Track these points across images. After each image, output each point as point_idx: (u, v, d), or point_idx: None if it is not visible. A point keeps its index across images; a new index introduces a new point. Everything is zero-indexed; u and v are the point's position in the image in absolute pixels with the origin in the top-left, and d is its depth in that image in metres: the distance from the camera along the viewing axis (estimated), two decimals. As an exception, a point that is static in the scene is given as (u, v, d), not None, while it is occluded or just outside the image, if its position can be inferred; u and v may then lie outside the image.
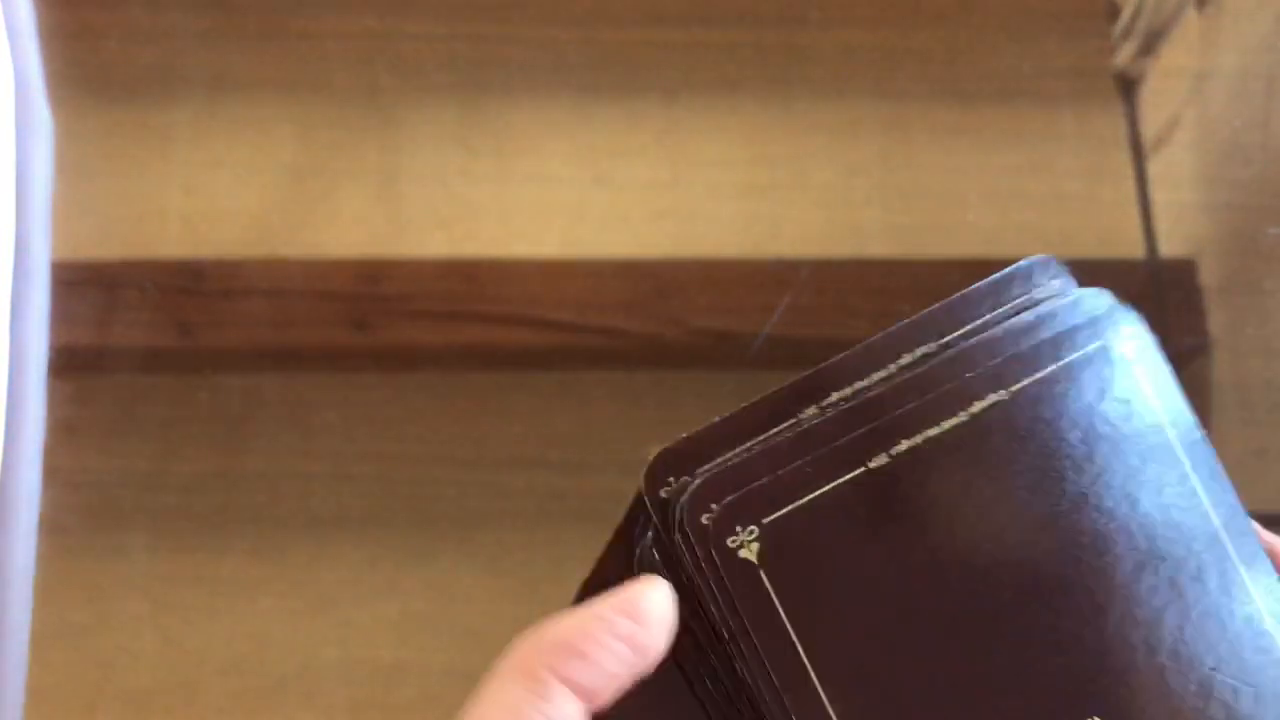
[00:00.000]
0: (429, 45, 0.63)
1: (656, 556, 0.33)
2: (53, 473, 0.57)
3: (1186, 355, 0.59)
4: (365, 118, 0.62)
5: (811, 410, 0.34)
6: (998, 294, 0.36)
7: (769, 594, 0.32)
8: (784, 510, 0.32)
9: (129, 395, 0.58)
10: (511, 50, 0.63)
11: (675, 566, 0.33)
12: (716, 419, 0.34)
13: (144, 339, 0.58)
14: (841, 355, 0.34)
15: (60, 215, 0.61)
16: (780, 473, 0.32)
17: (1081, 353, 0.34)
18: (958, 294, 0.36)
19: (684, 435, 0.33)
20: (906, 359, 0.35)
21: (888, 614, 0.32)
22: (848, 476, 0.33)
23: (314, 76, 0.63)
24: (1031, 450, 0.33)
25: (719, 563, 0.32)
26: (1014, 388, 0.34)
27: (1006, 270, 0.36)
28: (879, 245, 0.61)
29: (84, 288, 0.59)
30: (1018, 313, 0.35)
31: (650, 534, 0.33)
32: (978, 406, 0.33)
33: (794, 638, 0.32)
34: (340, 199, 0.61)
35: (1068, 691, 0.32)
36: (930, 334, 0.35)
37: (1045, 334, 0.35)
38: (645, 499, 0.33)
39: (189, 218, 0.61)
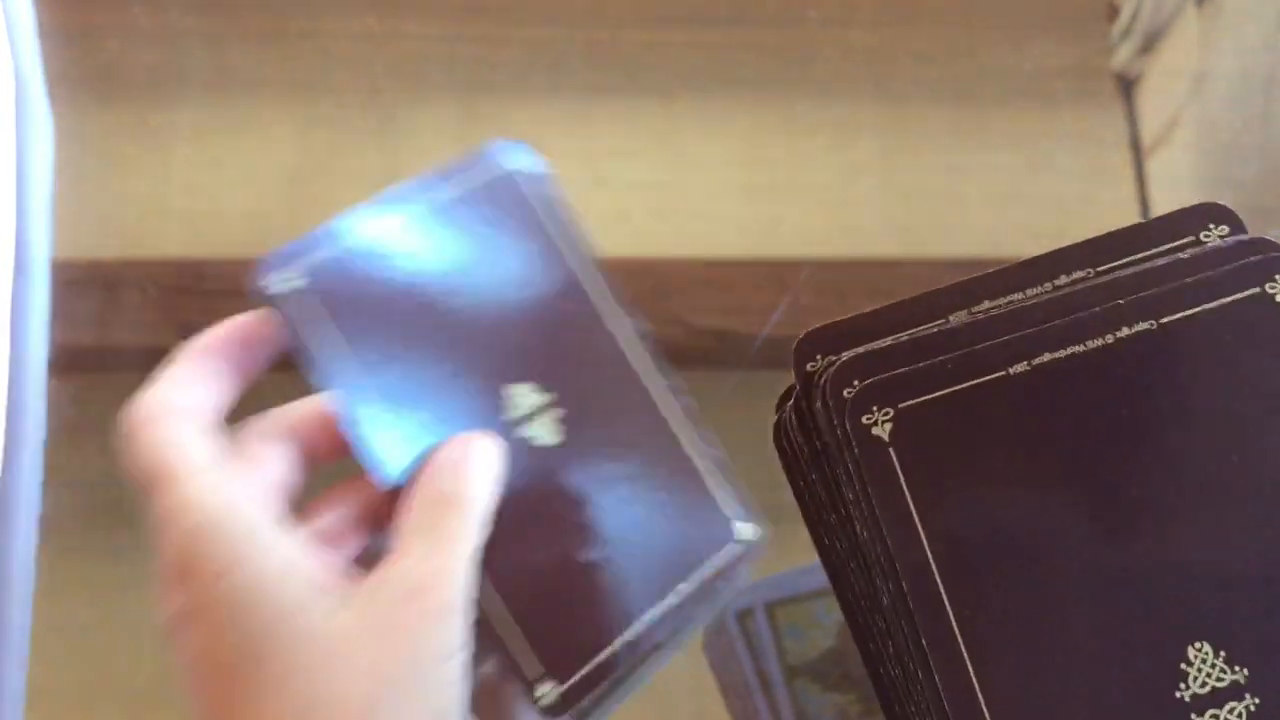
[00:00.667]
0: (429, 46, 0.64)
1: (794, 423, 0.35)
2: (53, 472, 0.57)
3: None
4: (365, 118, 0.62)
5: (962, 315, 0.35)
6: (1165, 232, 0.36)
7: (896, 471, 0.33)
8: (921, 399, 0.33)
9: (129, 394, 0.57)
10: (511, 51, 0.64)
11: (811, 435, 0.34)
12: (869, 309, 0.35)
13: (144, 338, 0.58)
14: (1000, 268, 0.35)
15: (61, 215, 0.61)
16: (922, 364, 0.33)
17: (1236, 296, 0.35)
18: (1125, 227, 0.36)
19: (837, 319, 0.35)
20: (1064, 279, 0.35)
21: (1006, 514, 0.33)
22: (987, 378, 0.34)
23: (314, 77, 0.63)
24: (1173, 384, 0.34)
25: (853, 436, 0.33)
26: (1164, 320, 0.34)
27: (1176, 210, 0.37)
28: (879, 245, 0.61)
29: (85, 287, 0.59)
30: (1181, 251, 0.36)
31: (790, 403, 0.35)
32: (1125, 332, 0.34)
33: (914, 514, 0.33)
34: (340, 199, 0.61)
35: (1181, 614, 0.33)
36: (1090, 260, 0.36)
37: (1203, 274, 0.35)
38: (793, 369, 0.34)
39: (189, 217, 0.61)
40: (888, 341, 0.34)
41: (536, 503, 0.41)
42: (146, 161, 0.61)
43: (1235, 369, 0.34)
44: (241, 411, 0.58)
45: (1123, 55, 0.64)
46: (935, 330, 0.34)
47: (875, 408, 0.34)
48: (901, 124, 0.62)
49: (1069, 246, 0.36)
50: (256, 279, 0.35)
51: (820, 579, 0.43)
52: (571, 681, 0.40)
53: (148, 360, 0.60)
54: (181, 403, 0.35)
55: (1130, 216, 0.61)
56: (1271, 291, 0.35)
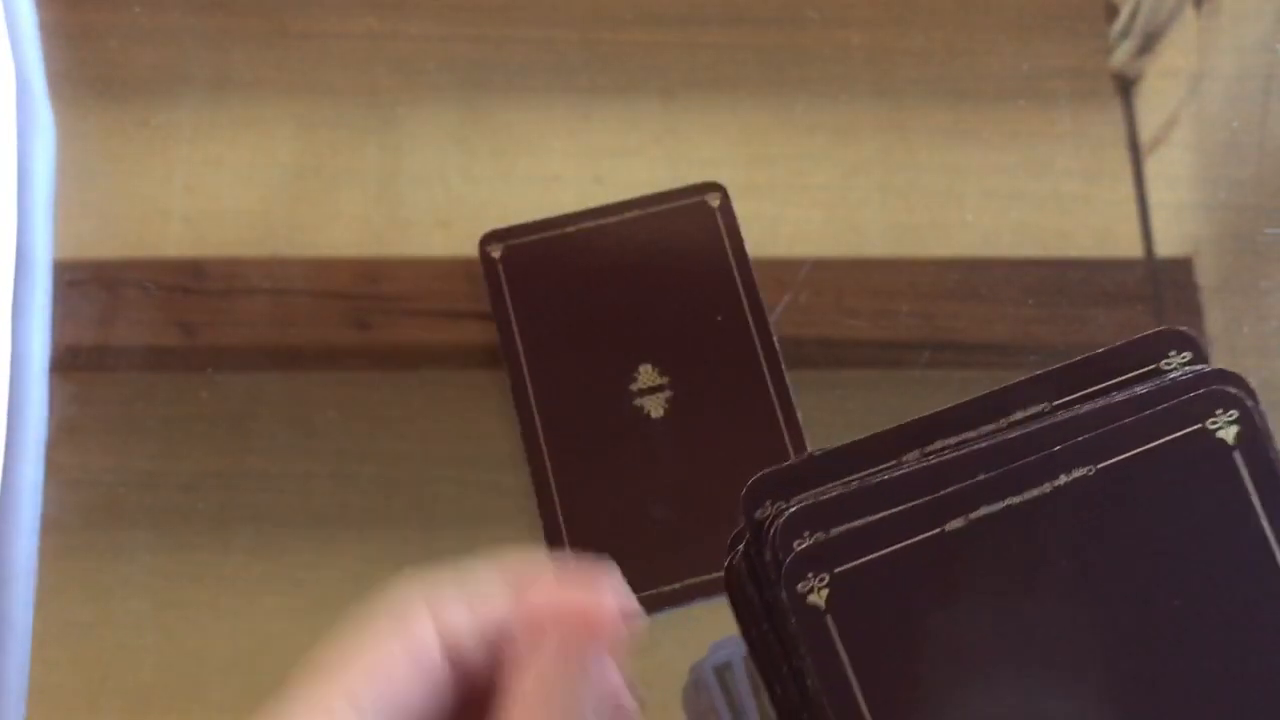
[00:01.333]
0: (429, 46, 0.64)
1: (745, 570, 0.34)
2: (55, 471, 0.57)
3: (1184, 354, 0.59)
4: (366, 118, 0.62)
5: (914, 454, 0.35)
6: (1128, 360, 0.36)
7: (833, 639, 0.33)
8: (857, 561, 0.33)
9: (131, 394, 0.58)
10: (511, 51, 0.64)
11: (762, 584, 0.34)
12: (818, 451, 0.35)
13: (145, 338, 0.59)
14: (956, 404, 0.35)
15: (62, 214, 0.61)
16: (858, 523, 0.33)
17: (1174, 435, 0.34)
18: (1082, 356, 0.36)
19: (788, 463, 0.35)
20: (1019, 415, 0.35)
21: (946, 679, 0.33)
22: (923, 536, 0.33)
23: (315, 77, 0.63)
24: (1112, 530, 0.33)
25: (789, 605, 0.33)
26: (1102, 464, 0.34)
27: (1139, 336, 0.37)
28: (878, 245, 0.61)
29: (86, 287, 0.59)
30: (1136, 383, 0.35)
31: (742, 548, 0.35)
32: (1062, 480, 0.34)
33: (853, 682, 0.32)
34: (341, 198, 0.61)
35: None
36: (1047, 393, 0.35)
37: (1146, 411, 0.34)
38: (742, 515, 0.34)
39: (190, 217, 0.61)
40: (835, 491, 0.34)
41: (630, 459, 0.54)
42: (147, 161, 0.61)
43: (1174, 508, 0.34)
44: (247, 410, 0.58)
45: (1121, 55, 0.64)
46: (882, 478, 0.34)
47: (811, 574, 0.33)
48: (900, 124, 0.63)
49: (1023, 381, 0.35)
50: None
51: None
52: None
53: (149, 359, 0.60)
54: (438, 617, 0.31)
55: (1128, 216, 0.61)
56: (1212, 427, 0.35)
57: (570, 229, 0.58)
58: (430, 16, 0.64)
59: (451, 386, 0.58)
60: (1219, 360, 0.59)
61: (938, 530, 0.33)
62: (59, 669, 0.54)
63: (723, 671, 0.50)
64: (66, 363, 0.58)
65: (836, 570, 0.33)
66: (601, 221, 0.58)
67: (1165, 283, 0.60)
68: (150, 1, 0.64)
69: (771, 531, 0.34)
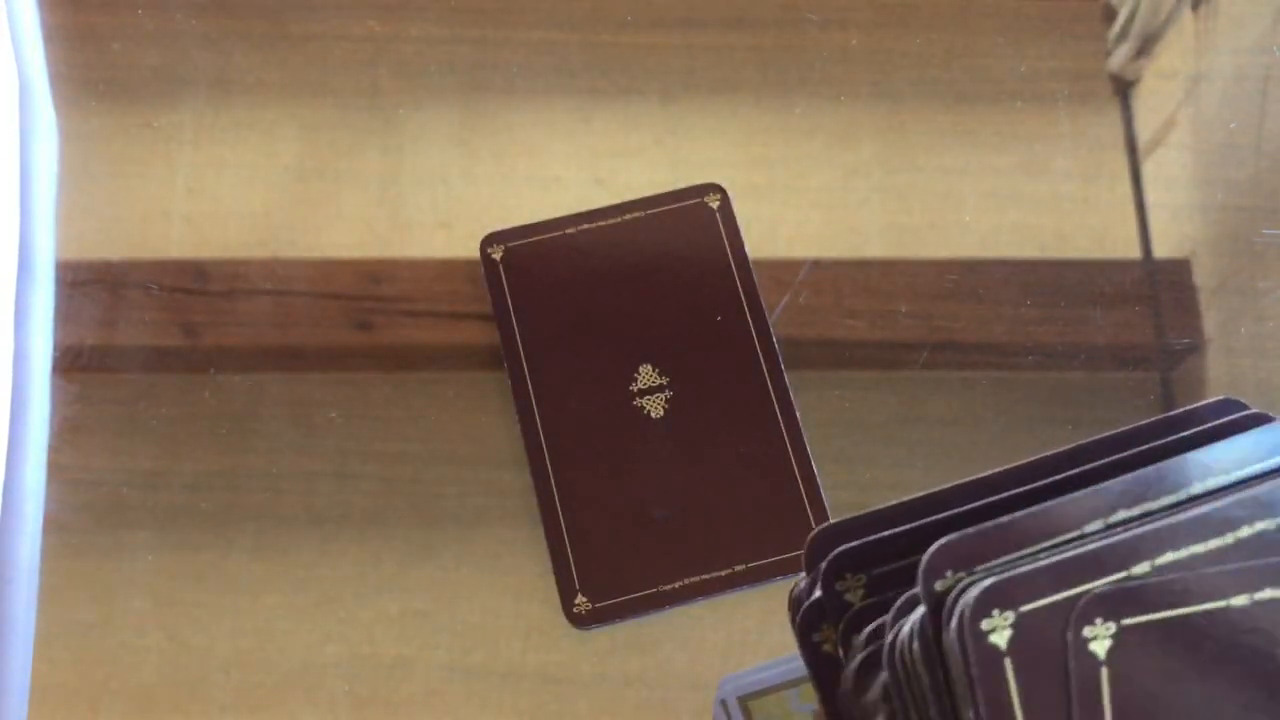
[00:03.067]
0: (430, 48, 0.64)
1: (917, 650, 0.31)
2: (57, 471, 0.57)
3: (1181, 355, 0.59)
4: (367, 119, 0.63)
5: (1097, 525, 0.32)
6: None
7: (1010, 691, 0.30)
8: (1041, 602, 0.31)
9: (133, 394, 0.58)
10: (512, 53, 0.64)
11: (935, 662, 0.31)
12: (1004, 519, 0.32)
13: (148, 338, 0.59)
14: (1137, 472, 0.33)
15: (65, 216, 0.61)
16: (1045, 601, 0.31)
17: None
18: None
19: (970, 531, 0.32)
20: (1198, 488, 0.33)
21: None
22: (1201, 608, 0.31)
23: (317, 79, 0.63)
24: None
25: (968, 641, 0.30)
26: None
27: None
28: (877, 246, 0.61)
29: (88, 287, 0.60)
30: None
31: (912, 626, 0.32)
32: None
33: None
34: (342, 200, 0.61)
35: None
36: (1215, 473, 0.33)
37: None
38: (920, 586, 0.31)
39: (193, 218, 0.61)
40: (1027, 566, 0.31)
41: (631, 459, 0.55)
42: (150, 163, 0.62)
43: None
44: (249, 410, 0.58)
45: (1119, 57, 0.64)
46: (1073, 552, 0.31)
47: (996, 611, 0.30)
48: (899, 125, 0.63)
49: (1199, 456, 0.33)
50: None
51: (794, 668, 0.42)
52: (602, 604, 0.53)
53: (151, 360, 0.60)
54: None
55: (1126, 217, 0.61)
56: None
57: (571, 230, 0.58)
58: (431, 19, 0.64)
59: (452, 387, 0.58)
60: (1216, 361, 0.60)
61: (1221, 604, 0.31)
62: (61, 668, 0.54)
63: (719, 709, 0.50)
64: (69, 363, 0.58)
65: (1021, 610, 0.30)
66: (602, 223, 0.58)
67: (1163, 284, 0.61)
68: (153, 4, 0.64)
69: (958, 607, 0.30)
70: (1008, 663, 0.30)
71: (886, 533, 0.33)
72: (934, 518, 0.33)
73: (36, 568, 0.55)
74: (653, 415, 0.55)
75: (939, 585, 0.31)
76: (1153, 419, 0.35)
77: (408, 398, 0.58)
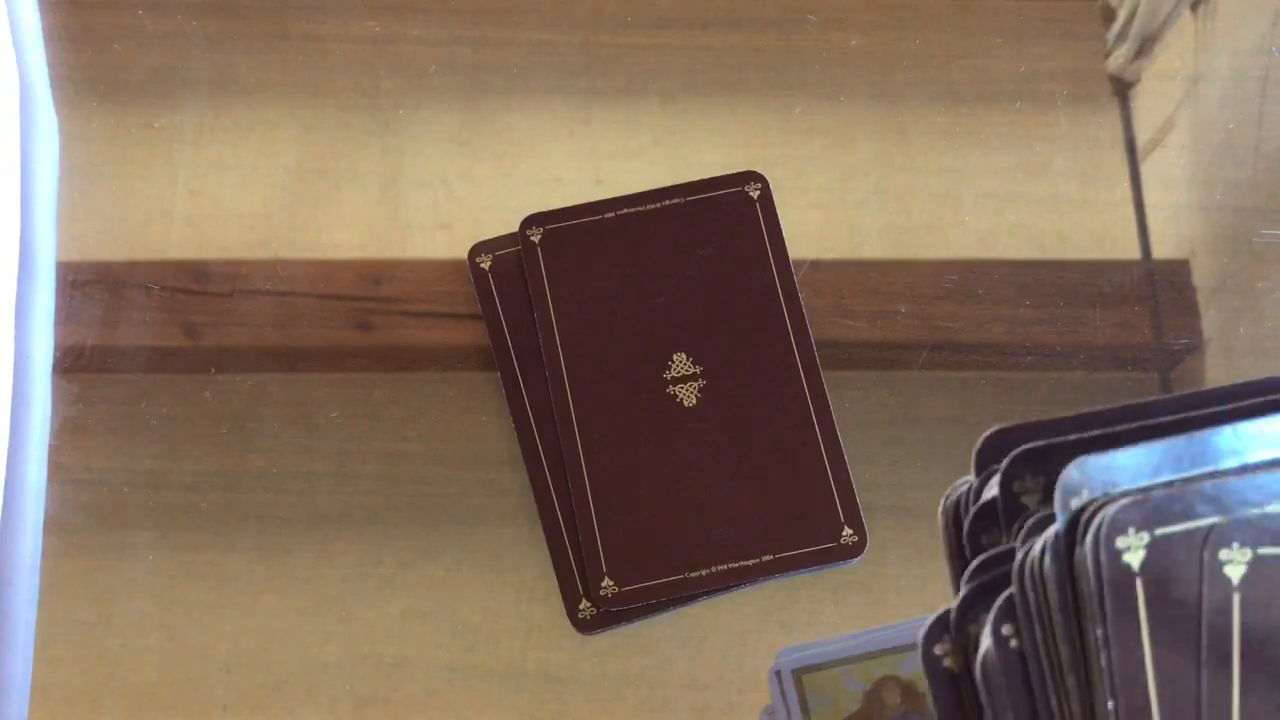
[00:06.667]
0: (430, 49, 0.64)
1: (1048, 566, 0.31)
2: (58, 471, 0.57)
3: (1180, 355, 0.59)
4: (368, 120, 0.63)
5: (1234, 462, 0.32)
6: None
7: (1139, 612, 0.30)
8: (1177, 527, 0.31)
9: (134, 394, 0.58)
10: (512, 54, 0.64)
11: (1065, 580, 0.31)
12: (1143, 445, 0.32)
13: (149, 339, 0.59)
14: (1258, 420, 0.33)
15: (66, 217, 0.61)
16: (1192, 525, 0.30)
17: None
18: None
19: (1107, 454, 0.32)
20: None
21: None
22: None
23: (317, 80, 0.63)
24: None
25: (1103, 558, 0.30)
26: None
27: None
28: (876, 246, 0.61)
29: (89, 288, 0.60)
30: None
31: (1045, 542, 0.31)
32: None
33: (1148, 658, 0.30)
34: (343, 200, 0.61)
35: None
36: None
37: None
38: (1055, 504, 0.31)
39: (193, 219, 0.61)
40: (1166, 492, 0.31)
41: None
42: (151, 164, 0.62)
43: None
44: (249, 410, 0.58)
45: (1118, 58, 0.64)
46: (1213, 483, 0.31)
47: (1132, 530, 0.30)
48: (898, 126, 0.63)
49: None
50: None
51: (850, 645, 0.42)
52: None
53: (152, 360, 0.60)
54: None
55: (1125, 217, 0.62)
56: None
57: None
58: (432, 20, 0.64)
59: (452, 387, 0.58)
60: (1215, 361, 0.60)
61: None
62: (62, 668, 0.54)
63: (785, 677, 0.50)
64: (70, 363, 0.58)
65: (1156, 533, 0.30)
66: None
67: (1162, 284, 0.61)
68: (154, 5, 0.64)
69: (1096, 522, 0.30)
70: (1139, 583, 0.30)
71: (1071, 436, 0.32)
72: (1108, 429, 0.33)
73: (37, 568, 0.55)
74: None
75: (1075, 502, 0.31)
76: None
77: (408, 398, 0.58)
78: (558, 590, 0.54)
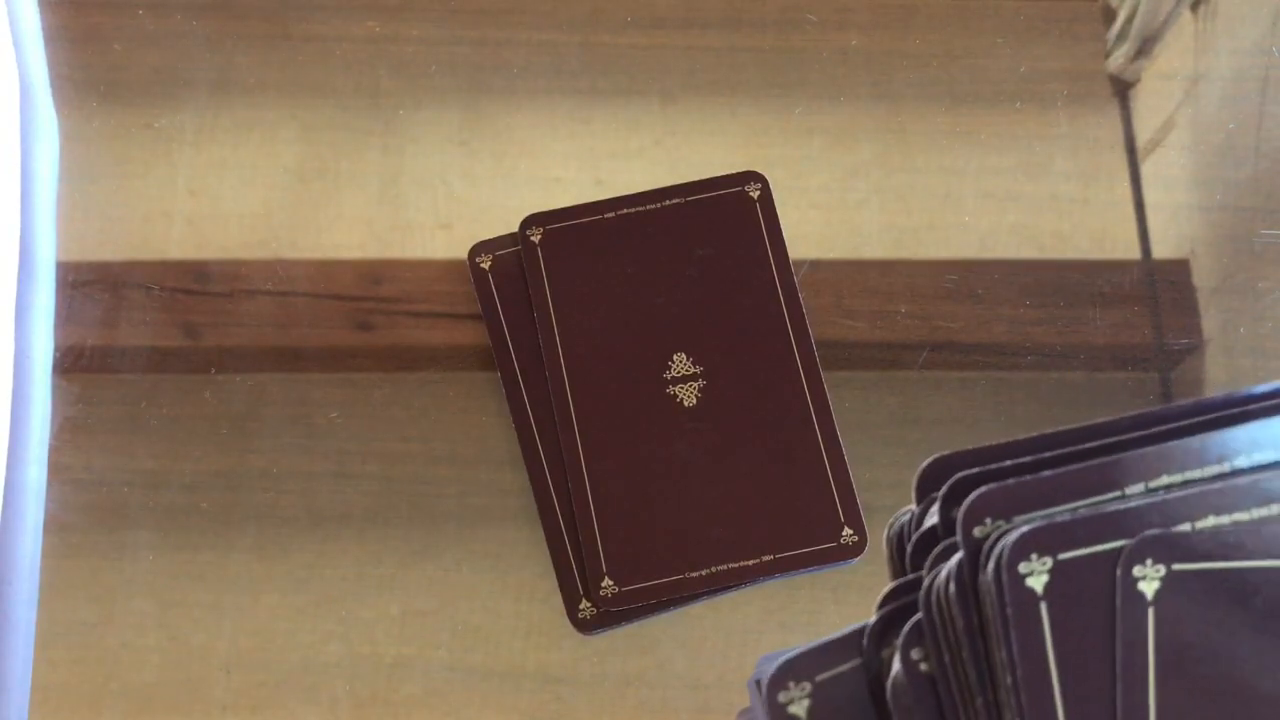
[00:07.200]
0: (430, 49, 0.64)
1: (953, 593, 0.32)
2: (58, 471, 0.57)
3: (1180, 355, 0.59)
4: (368, 120, 0.63)
5: (1139, 488, 0.33)
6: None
7: (1044, 634, 0.31)
8: (1080, 552, 0.31)
9: (134, 394, 0.58)
10: (512, 54, 0.64)
11: (970, 606, 0.32)
12: (1045, 473, 0.33)
13: (149, 339, 0.59)
14: (1168, 445, 0.33)
15: (66, 217, 0.61)
16: (1083, 552, 0.31)
17: None
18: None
19: (1010, 481, 0.33)
20: (1242, 462, 0.33)
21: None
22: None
23: (317, 80, 0.63)
24: None
25: (1005, 585, 0.31)
26: None
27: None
28: (876, 246, 0.61)
29: (89, 288, 0.60)
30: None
31: (949, 570, 0.32)
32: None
33: (1054, 680, 0.31)
34: (343, 201, 0.61)
35: None
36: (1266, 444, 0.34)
37: None
38: (958, 532, 0.32)
39: (193, 219, 0.61)
40: (1063, 517, 0.32)
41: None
42: (151, 164, 0.62)
43: None
44: (249, 410, 0.58)
45: (1118, 58, 0.65)
46: (1113, 509, 0.32)
47: (1034, 556, 0.31)
48: (898, 126, 0.63)
49: (1244, 427, 0.33)
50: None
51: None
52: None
53: (152, 360, 0.60)
54: None
55: (1125, 218, 0.62)
56: None
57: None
58: (431, 20, 0.64)
59: (453, 387, 0.58)
60: (1215, 361, 0.60)
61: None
62: (62, 668, 0.54)
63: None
64: (70, 363, 0.58)
65: (1060, 557, 0.31)
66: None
67: (1162, 284, 0.61)
68: (154, 5, 0.64)
69: (997, 549, 0.31)
70: (1043, 606, 0.31)
71: (1007, 463, 0.33)
72: (1040, 455, 0.33)
73: (37, 568, 0.55)
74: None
75: (978, 531, 0.32)
76: (1216, 395, 0.35)
77: (408, 398, 0.58)
78: (558, 590, 0.54)
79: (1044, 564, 0.31)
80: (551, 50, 0.64)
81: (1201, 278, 0.61)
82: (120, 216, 0.61)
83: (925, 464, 0.34)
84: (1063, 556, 0.31)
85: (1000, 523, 0.32)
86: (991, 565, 0.31)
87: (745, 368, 0.56)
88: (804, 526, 0.54)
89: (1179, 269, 0.61)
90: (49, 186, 0.61)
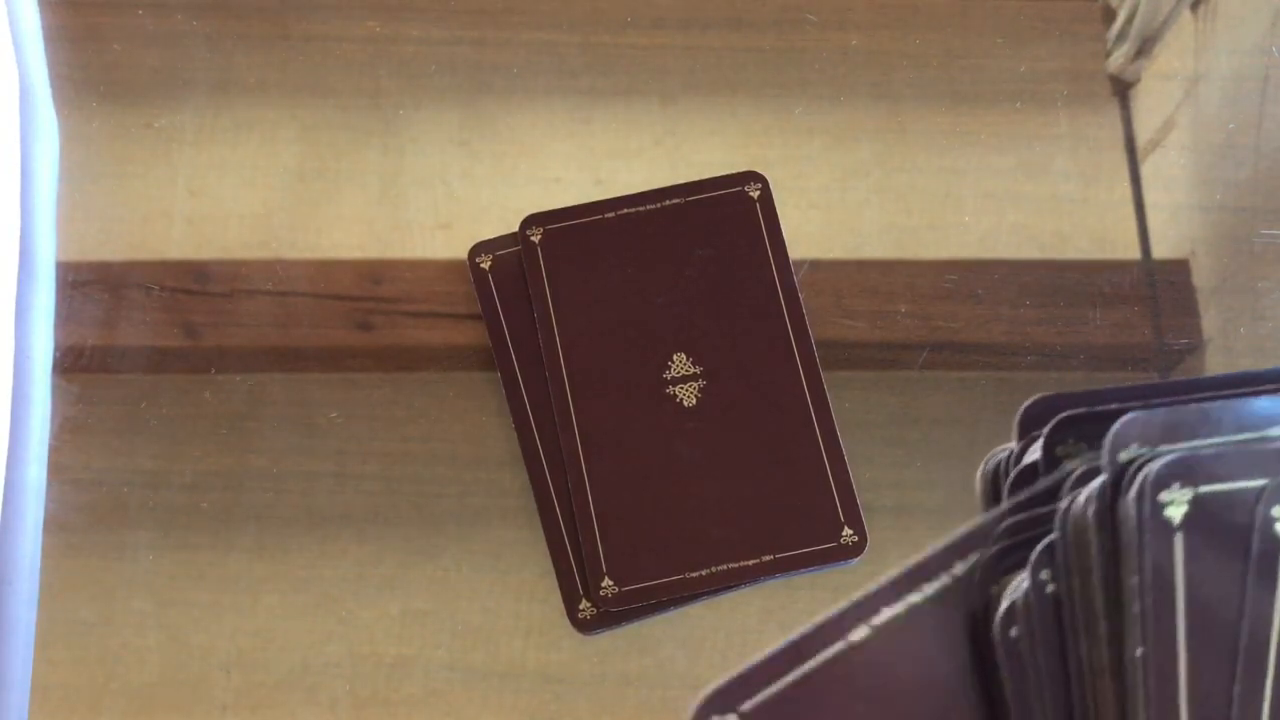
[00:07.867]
0: (430, 49, 0.64)
1: (1091, 516, 0.32)
2: (58, 471, 0.57)
3: (1180, 355, 0.59)
4: (368, 120, 0.63)
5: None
6: None
7: (1176, 565, 0.31)
8: (1219, 486, 0.31)
9: (134, 394, 0.58)
10: (512, 54, 0.64)
11: (1107, 529, 0.32)
12: (1195, 405, 0.33)
13: (149, 339, 0.59)
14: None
15: (66, 217, 0.61)
16: (1235, 485, 0.31)
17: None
18: None
19: (1162, 410, 0.33)
20: None
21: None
22: None
23: (317, 79, 0.63)
24: None
25: (1146, 511, 0.31)
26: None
27: None
28: (876, 246, 0.61)
29: (89, 288, 0.60)
30: None
31: (1090, 492, 0.32)
32: None
33: (1180, 611, 0.31)
34: (343, 200, 0.61)
35: None
36: None
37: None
38: (1103, 457, 0.32)
39: (193, 219, 0.61)
40: (1212, 451, 0.32)
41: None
42: (151, 164, 0.62)
43: None
44: (249, 410, 0.58)
45: (1118, 58, 0.65)
46: (1260, 448, 0.32)
47: (1177, 484, 0.31)
48: (898, 126, 0.63)
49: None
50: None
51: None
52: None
53: (152, 360, 0.61)
54: None
55: (1125, 218, 0.62)
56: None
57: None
58: (432, 20, 0.64)
59: (453, 387, 0.58)
60: (1215, 361, 0.60)
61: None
62: (62, 668, 0.54)
63: None
64: (70, 363, 0.58)
65: (1200, 490, 0.31)
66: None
67: (1162, 284, 0.61)
68: (154, 5, 0.64)
69: (1141, 475, 0.31)
70: (1178, 537, 0.31)
71: (1113, 405, 0.34)
72: (1148, 401, 0.34)
73: (36, 568, 0.55)
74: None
75: (1123, 455, 0.32)
76: None
77: (408, 398, 0.58)
78: (558, 590, 0.54)
79: (1185, 494, 0.31)
80: (551, 50, 0.64)
81: (1201, 278, 0.61)
82: (120, 216, 0.61)
83: (1028, 403, 0.34)
84: (1204, 489, 0.31)
85: (1146, 449, 0.32)
86: (1134, 490, 0.31)
87: (745, 368, 0.56)
88: (804, 526, 0.54)
89: (1179, 269, 0.61)
90: (49, 186, 0.61)
